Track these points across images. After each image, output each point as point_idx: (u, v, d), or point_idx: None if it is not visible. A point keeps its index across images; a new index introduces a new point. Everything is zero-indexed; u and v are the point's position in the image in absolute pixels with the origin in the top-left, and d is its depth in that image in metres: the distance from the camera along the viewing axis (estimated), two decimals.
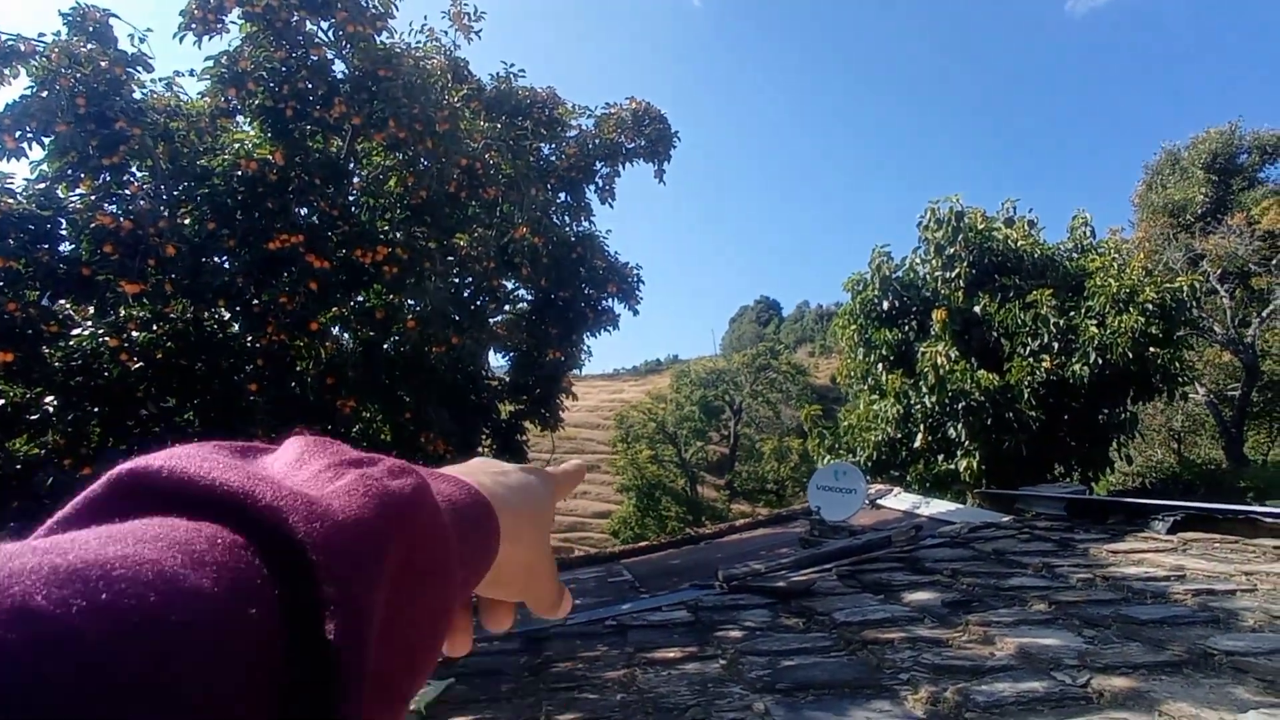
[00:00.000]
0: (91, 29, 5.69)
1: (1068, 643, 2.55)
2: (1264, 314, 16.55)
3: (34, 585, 0.18)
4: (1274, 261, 18.51)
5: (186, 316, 5.77)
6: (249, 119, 6.35)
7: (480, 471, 0.43)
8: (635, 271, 8.36)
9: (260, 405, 5.61)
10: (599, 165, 8.40)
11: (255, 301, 5.80)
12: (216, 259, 6.00)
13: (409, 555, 0.27)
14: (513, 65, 8.51)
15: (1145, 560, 3.59)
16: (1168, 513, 4.13)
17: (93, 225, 4.99)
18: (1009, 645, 2.62)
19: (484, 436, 7.35)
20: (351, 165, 7.08)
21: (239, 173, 5.81)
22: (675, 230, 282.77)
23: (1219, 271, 18.31)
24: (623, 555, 7.65)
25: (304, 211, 6.30)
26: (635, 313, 8.47)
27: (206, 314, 5.97)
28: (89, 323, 5.38)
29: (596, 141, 8.30)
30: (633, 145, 8.37)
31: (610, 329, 8.29)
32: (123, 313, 5.41)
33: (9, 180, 5.12)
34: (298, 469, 0.29)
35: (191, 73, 6.31)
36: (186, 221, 5.79)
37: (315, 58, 6.17)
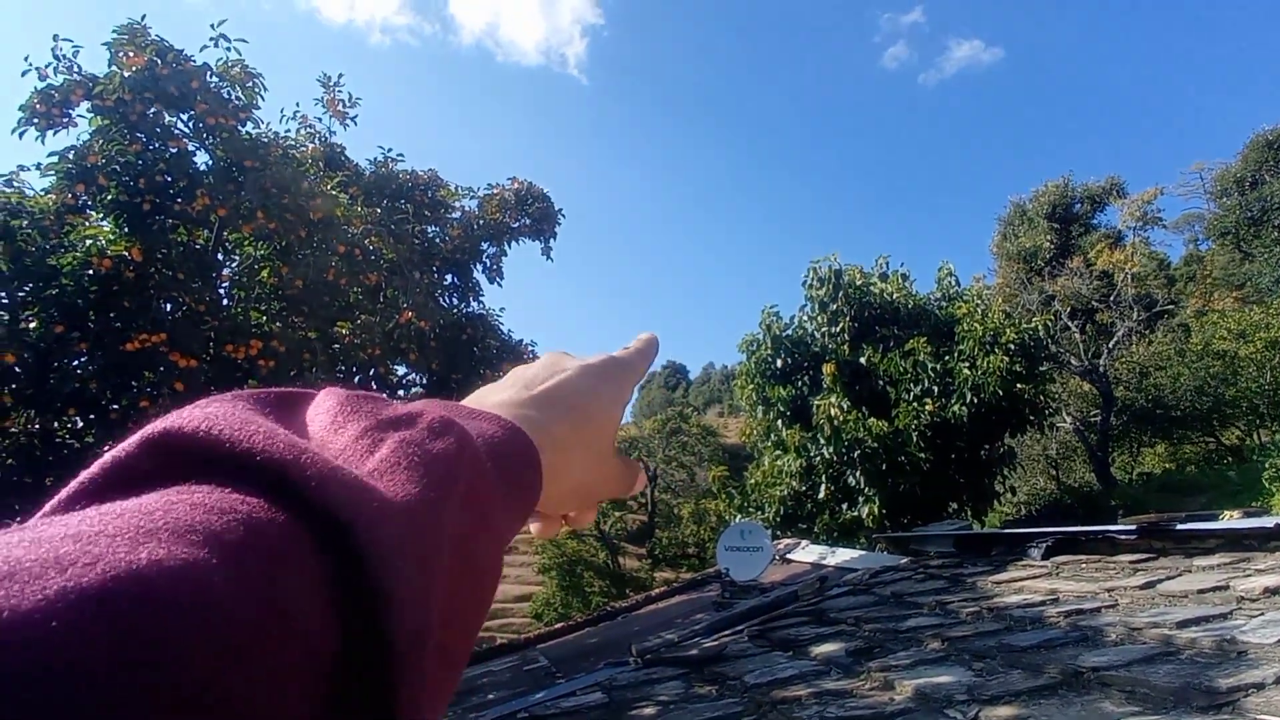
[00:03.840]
0: None
1: (959, 678, 2.62)
2: (1110, 345, 18.25)
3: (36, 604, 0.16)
4: (1111, 298, 20.57)
5: (31, 429, 5.26)
6: (101, 214, 6.01)
7: (528, 386, 0.43)
8: (530, 349, 8.33)
9: None
10: (485, 245, 8.42)
11: (113, 408, 5.37)
12: (67, 363, 5.55)
13: (458, 523, 0.26)
14: (390, 150, 8.53)
15: (1024, 587, 3.76)
16: (1040, 540, 4.37)
17: None
18: (907, 688, 2.65)
19: None
20: (220, 257, 6.79)
21: (90, 271, 5.46)
22: (577, 303, 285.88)
23: (1069, 310, 20.15)
24: (539, 640, 7.33)
25: (168, 308, 5.96)
26: None
27: (57, 424, 5.47)
28: None
29: (481, 222, 8.34)
30: (517, 224, 8.47)
31: None
32: None
33: None
34: (334, 433, 0.28)
35: (37, 166, 5.94)
36: (32, 325, 5.35)
37: (175, 150, 5.95)
